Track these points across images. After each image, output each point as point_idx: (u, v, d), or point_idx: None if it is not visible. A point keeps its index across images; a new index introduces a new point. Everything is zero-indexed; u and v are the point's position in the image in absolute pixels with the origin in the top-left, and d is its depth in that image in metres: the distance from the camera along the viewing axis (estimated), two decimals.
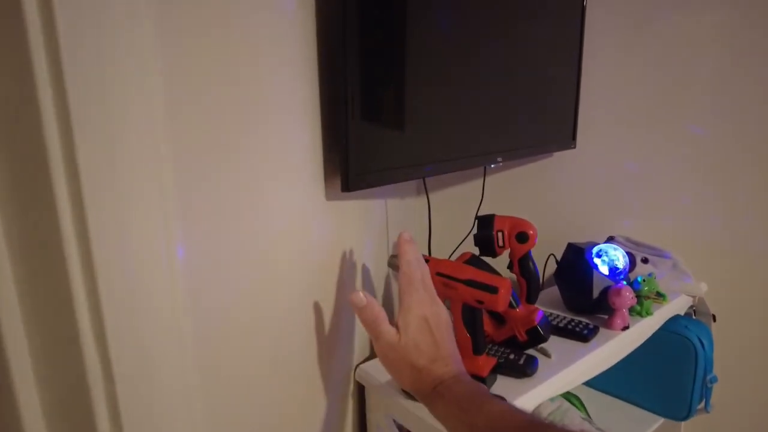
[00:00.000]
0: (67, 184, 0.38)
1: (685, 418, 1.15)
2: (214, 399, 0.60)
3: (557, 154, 1.29)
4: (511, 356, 0.83)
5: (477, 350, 0.78)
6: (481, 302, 0.74)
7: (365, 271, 0.90)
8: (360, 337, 0.89)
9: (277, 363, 0.71)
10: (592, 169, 1.27)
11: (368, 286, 0.92)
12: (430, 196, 1.03)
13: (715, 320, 1.17)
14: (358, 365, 0.88)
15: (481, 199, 1.17)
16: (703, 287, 1.16)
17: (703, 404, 1.15)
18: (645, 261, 1.17)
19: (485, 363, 0.78)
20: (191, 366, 0.53)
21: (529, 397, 0.77)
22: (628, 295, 0.94)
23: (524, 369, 0.80)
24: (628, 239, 1.23)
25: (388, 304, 1.03)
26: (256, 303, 0.66)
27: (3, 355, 0.38)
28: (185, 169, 0.52)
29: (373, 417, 0.87)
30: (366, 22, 0.66)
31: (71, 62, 0.37)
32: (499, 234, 0.89)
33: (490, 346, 0.87)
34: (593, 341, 0.92)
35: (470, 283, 0.75)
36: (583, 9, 1.17)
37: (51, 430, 0.42)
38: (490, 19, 0.92)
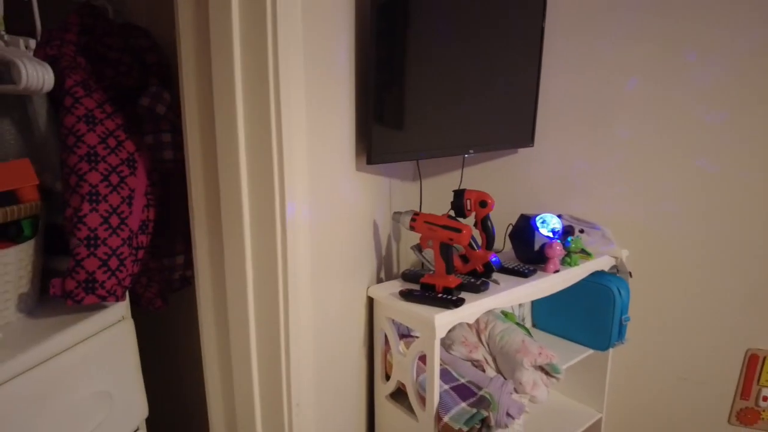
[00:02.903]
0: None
1: (606, 348, 1.56)
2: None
3: (521, 151, 1.71)
4: (472, 280, 1.25)
5: (448, 272, 1.20)
6: (451, 239, 1.16)
7: (375, 224, 1.33)
8: (369, 267, 1.31)
9: (337, 280, 1.12)
10: (548, 164, 1.68)
11: (377, 233, 1.34)
12: (426, 181, 1.46)
13: (631, 276, 1.58)
14: (369, 287, 1.30)
15: (460, 183, 1.60)
16: (625, 252, 1.58)
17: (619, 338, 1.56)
18: (581, 231, 1.59)
19: (453, 280, 1.20)
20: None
21: (480, 304, 1.18)
22: (557, 248, 1.36)
23: (479, 288, 1.22)
24: (572, 216, 1.65)
25: (390, 251, 1.45)
26: (324, 232, 1.06)
27: None
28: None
29: (377, 320, 1.29)
30: (381, 59, 1.09)
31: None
32: (468, 201, 1.32)
33: (459, 274, 1.28)
34: (531, 278, 1.33)
35: (445, 227, 1.17)
36: (542, 32, 1.56)
37: None
38: (468, 42, 1.33)
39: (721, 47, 1.38)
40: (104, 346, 0.82)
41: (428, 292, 1.19)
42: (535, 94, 1.61)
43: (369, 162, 1.10)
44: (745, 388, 1.59)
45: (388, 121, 1.13)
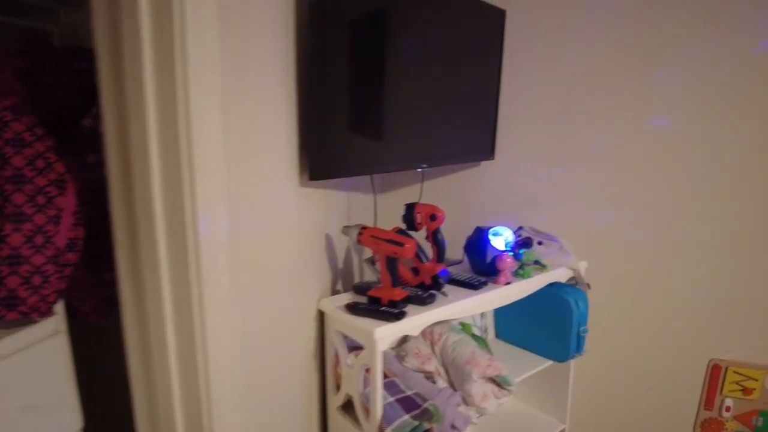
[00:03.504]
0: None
1: (565, 359, 1.57)
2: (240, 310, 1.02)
3: (483, 164, 1.73)
4: (419, 293, 1.27)
5: (394, 284, 1.22)
6: (395, 253, 1.19)
7: (328, 237, 1.36)
8: (320, 280, 1.33)
9: (277, 294, 1.14)
10: (509, 176, 1.71)
11: (330, 246, 1.37)
12: (386, 195, 1.48)
13: (589, 288, 1.59)
14: (319, 299, 1.32)
15: (420, 196, 1.62)
16: (583, 264, 1.59)
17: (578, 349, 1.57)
18: (540, 243, 1.60)
19: (399, 293, 1.22)
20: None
21: (425, 316, 1.20)
22: (508, 261, 1.38)
23: (425, 300, 1.24)
24: (532, 228, 1.66)
25: (348, 264, 1.48)
26: (261, 254, 1.09)
27: None
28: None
29: (328, 331, 1.31)
30: (322, 77, 1.12)
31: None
32: (418, 215, 1.34)
33: (408, 288, 1.30)
34: (481, 290, 1.35)
35: (389, 241, 1.19)
36: (501, 48, 1.59)
37: None
38: (421, 59, 1.36)
39: (674, 59, 1.40)
40: (35, 359, 0.85)
41: (374, 305, 1.21)
42: (495, 109, 1.63)
43: (311, 178, 1.13)
44: (708, 399, 1.61)
45: (331, 138, 1.16)
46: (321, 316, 1.32)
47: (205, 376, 0.82)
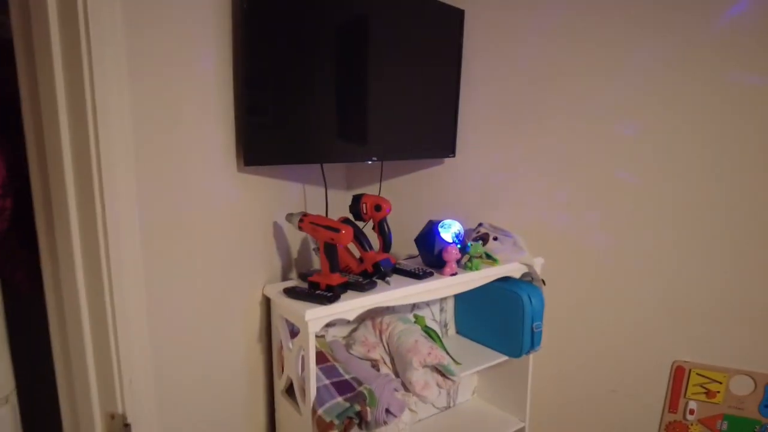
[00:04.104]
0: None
1: (519, 355, 1.57)
2: (166, 293, 1.07)
3: (446, 161, 1.76)
4: (360, 280, 1.30)
5: (332, 270, 1.25)
6: (332, 239, 1.22)
7: (277, 225, 1.40)
8: (267, 267, 1.38)
9: (213, 278, 1.19)
10: (471, 175, 1.73)
11: (280, 235, 1.41)
12: (348, 192, 1.53)
13: (545, 284, 1.60)
14: (265, 285, 1.36)
15: (379, 190, 1.66)
16: (539, 260, 1.60)
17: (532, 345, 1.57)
18: (495, 239, 1.62)
19: (337, 279, 1.25)
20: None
21: (360, 301, 1.23)
22: (453, 252, 1.40)
23: (364, 287, 1.27)
24: (490, 224, 1.68)
25: (305, 251, 1.52)
26: (193, 233, 1.14)
27: None
28: (146, 157, 1.03)
29: (273, 316, 1.35)
30: (257, 64, 1.17)
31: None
32: (364, 205, 1.38)
33: (351, 275, 1.33)
34: (424, 280, 1.37)
35: (326, 227, 1.23)
36: (460, 48, 1.62)
37: None
38: (375, 55, 1.40)
39: (631, 60, 1.41)
40: None
41: (311, 290, 1.24)
42: (454, 107, 1.66)
43: (246, 164, 1.18)
44: (672, 401, 1.59)
45: (265, 126, 1.21)
46: (267, 302, 1.36)
47: (116, 353, 0.87)
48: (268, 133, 1.21)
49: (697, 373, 1.54)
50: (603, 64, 1.45)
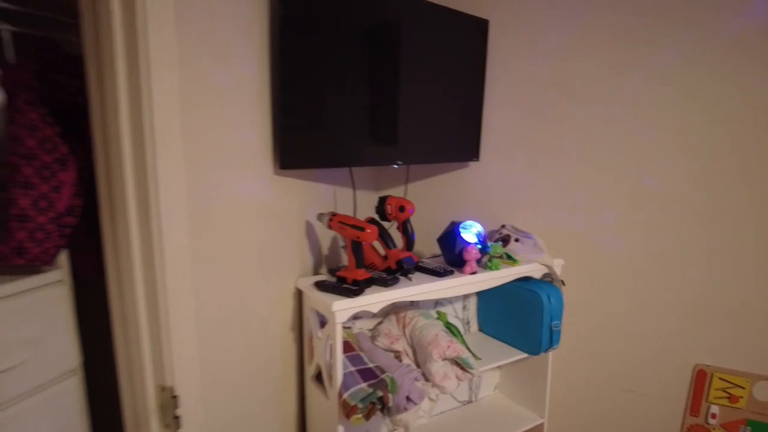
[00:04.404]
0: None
1: (538, 352, 1.63)
2: (210, 282, 1.20)
3: (471, 165, 1.83)
4: (384, 275, 1.39)
5: (358, 266, 1.35)
6: (358, 237, 1.33)
7: (309, 224, 1.52)
8: (299, 262, 1.49)
9: (252, 271, 1.32)
10: (494, 178, 1.80)
11: (312, 233, 1.53)
12: (377, 193, 1.63)
13: (564, 284, 1.65)
14: (297, 279, 1.48)
15: (405, 192, 1.75)
16: (559, 261, 1.66)
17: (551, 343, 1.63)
18: (516, 240, 1.69)
19: (362, 274, 1.35)
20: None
21: (383, 295, 1.32)
22: (473, 252, 1.48)
23: (387, 283, 1.37)
24: (513, 226, 1.75)
25: (334, 248, 1.63)
26: (232, 235, 1.27)
27: None
28: (196, 156, 1.15)
29: (304, 308, 1.46)
30: (290, 76, 1.28)
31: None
32: (389, 206, 1.48)
33: (375, 271, 1.43)
34: (445, 278, 1.45)
35: (353, 226, 1.33)
36: (484, 59, 1.70)
37: None
38: (404, 64, 1.50)
39: (651, 65, 1.46)
40: (40, 301, 1.06)
41: (339, 284, 1.35)
42: (479, 113, 1.74)
43: (281, 167, 1.30)
44: (694, 405, 1.61)
45: (299, 132, 1.32)
46: (299, 294, 1.47)
47: (167, 334, 1.00)
48: (301, 138, 1.32)
49: (720, 378, 1.56)
50: (622, 70, 1.50)
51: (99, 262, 1.19)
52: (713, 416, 1.58)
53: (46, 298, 1.08)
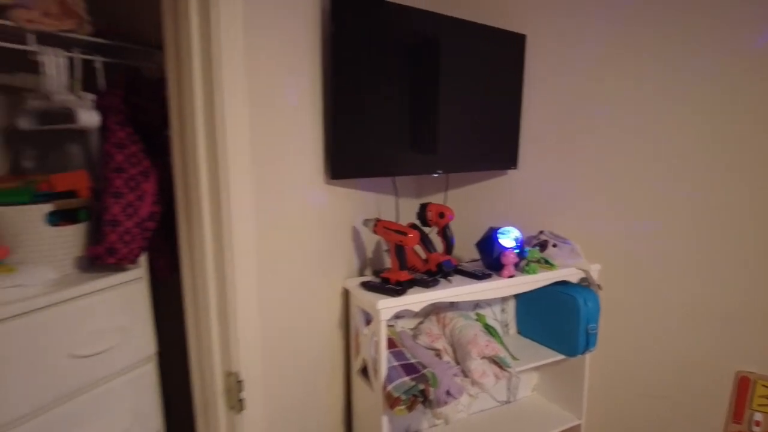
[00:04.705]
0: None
1: (575, 354, 1.69)
2: (270, 280, 1.33)
3: (509, 173, 1.91)
4: (425, 277, 1.49)
5: (401, 268, 1.46)
6: (401, 241, 1.43)
7: (355, 229, 1.64)
8: (347, 263, 1.61)
9: (304, 271, 1.45)
10: (532, 185, 1.86)
11: (357, 237, 1.65)
12: (418, 200, 1.73)
13: (601, 288, 1.70)
14: (345, 279, 1.60)
15: (445, 199, 1.85)
16: (596, 266, 1.71)
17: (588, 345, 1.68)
18: (554, 245, 1.75)
19: (405, 276, 1.46)
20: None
21: (424, 296, 1.42)
22: (510, 256, 1.56)
23: (428, 284, 1.47)
24: (551, 232, 1.81)
25: (378, 251, 1.75)
26: (289, 238, 1.39)
27: None
28: (260, 166, 1.29)
29: (351, 306, 1.58)
30: (339, 95, 1.40)
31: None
32: (429, 213, 1.58)
33: (417, 273, 1.53)
34: (483, 281, 1.54)
35: (396, 231, 1.44)
36: (522, 72, 1.78)
37: None
38: (446, 78, 1.59)
39: (683, 76, 1.50)
40: (126, 295, 1.23)
41: (383, 284, 1.46)
42: (516, 123, 1.81)
43: (332, 177, 1.42)
44: (736, 412, 1.61)
45: (348, 144, 1.44)
46: (346, 293, 1.59)
47: (234, 325, 1.14)
48: (349, 150, 1.44)
49: (764, 385, 1.55)
50: (656, 80, 1.54)
51: (173, 262, 1.35)
52: (757, 424, 1.58)
53: (130, 293, 1.24)
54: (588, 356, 1.74)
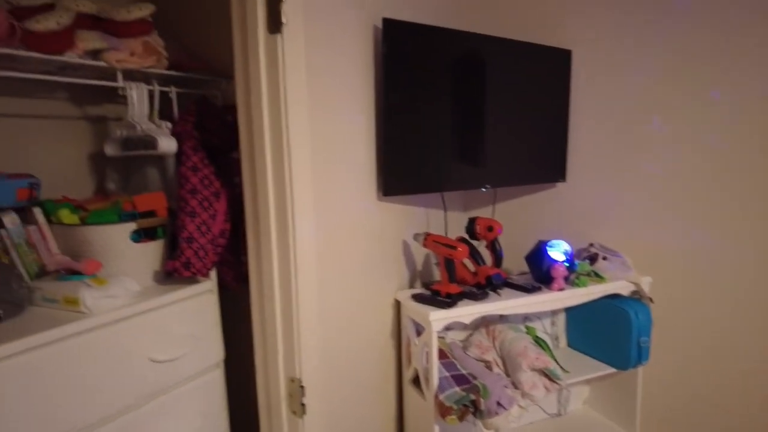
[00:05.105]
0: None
1: (626, 367, 1.68)
2: (329, 293, 1.42)
3: (559, 185, 1.93)
4: (474, 290, 1.54)
5: (450, 281, 1.51)
6: (450, 255, 1.49)
7: (406, 243, 1.70)
8: (398, 276, 1.68)
9: (358, 283, 1.53)
10: (581, 197, 1.87)
11: (407, 250, 1.71)
12: (466, 213, 1.79)
13: (652, 301, 1.69)
14: (396, 291, 1.66)
15: (493, 212, 1.89)
16: (647, 279, 1.70)
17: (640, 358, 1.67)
18: (604, 258, 1.75)
19: (455, 288, 1.51)
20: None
21: (474, 308, 1.47)
22: (560, 269, 1.58)
23: (477, 297, 1.51)
24: (601, 245, 1.81)
25: (427, 264, 1.81)
26: (344, 252, 1.48)
27: None
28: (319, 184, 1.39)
29: (402, 318, 1.64)
30: (390, 117, 1.48)
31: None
32: (477, 227, 1.62)
33: (466, 286, 1.58)
34: (532, 294, 1.56)
35: (446, 245, 1.50)
36: (568, 86, 1.80)
37: None
38: (493, 96, 1.65)
39: (739, 83, 1.49)
40: (198, 305, 1.34)
41: (434, 296, 1.52)
42: (564, 136, 1.84)
43: (384, 194, 1.50)
44: None
45: (399, 163, 1.51)
46: (398, 305, 1.66)
47: (297, 334, 1.23)
48: (400, 168, 1.51)
49: None
50: (708, 89, 1.53)
51: (239, 274, 1.46)
52: None
53: (201, 303, 1.35)
54: (641, 369, 1.72)
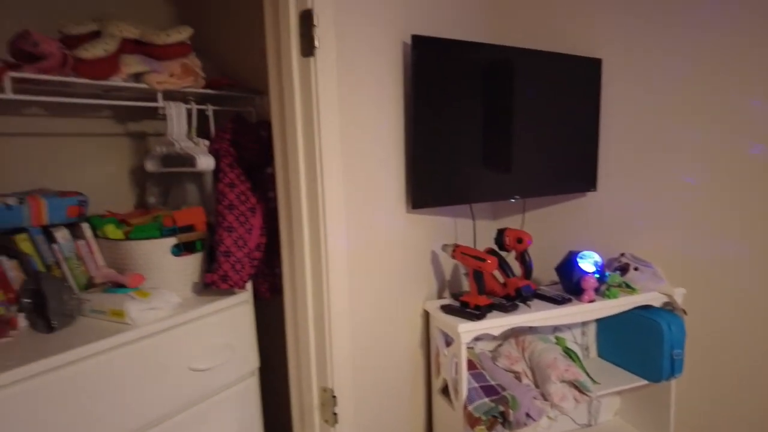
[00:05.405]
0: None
1: (658, 380, 1.66)
2: (359, 303, 1.46)
3: (588, 195, 1.91)
4: (503, 302, 1.55)
5: (479, 292, 1.53)
6: (479, 267, 1.50)
7: (434, 254, 1.72)
8: (426, 287, 1.70)
9: (388, 294, 1.56)
10: (612, 207, 1.86)
11: (436, 261, 1.73)
12: (494, 223, 1.80)
13: (685, 313, 1.67)
14: (425, 302, 1.68)
15: (522, 223, 1.89)
16: (680, 290, 1.68)
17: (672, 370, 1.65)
18: (636, 269, 1.74)
19: (484, 300, 1.52)
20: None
21: (503, 320, 1.48)
22: (590, 281, 1.57)
23: (507, 309, 1.52)
24: (632, 255, 1.80)
25: (456, 275, 1.82)
26: (374, 263, 1.51)
27: None
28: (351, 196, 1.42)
29: (431, 328, 1.66)
30: (419, 131, 1.50)
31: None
32: (507, 238, 1.63)
33: (495, 297, 1.59)
34: (562, 306, 1.56)
35: (475, 257, 1.51)
36: (599, 95, 1.79)
37: None
38: (522, 107, 1.66)
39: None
40: (234, 316, 1.39)
41: (463, 308, 1.53)
42: (595, 145, 1.82)
43: (413, 207, 1.52)
44: None
45: (427, 176, 1.53)
46: (427, 315, 1.68)
47: (329, 344, 1.26)
48: (429, 180, 1.53)
49: None
50: (743, 93, 1.50)
51: (273, 285, 1.51)
52: None
53: (237, 314, 1.41)
54: (674, 382, 1.70)
